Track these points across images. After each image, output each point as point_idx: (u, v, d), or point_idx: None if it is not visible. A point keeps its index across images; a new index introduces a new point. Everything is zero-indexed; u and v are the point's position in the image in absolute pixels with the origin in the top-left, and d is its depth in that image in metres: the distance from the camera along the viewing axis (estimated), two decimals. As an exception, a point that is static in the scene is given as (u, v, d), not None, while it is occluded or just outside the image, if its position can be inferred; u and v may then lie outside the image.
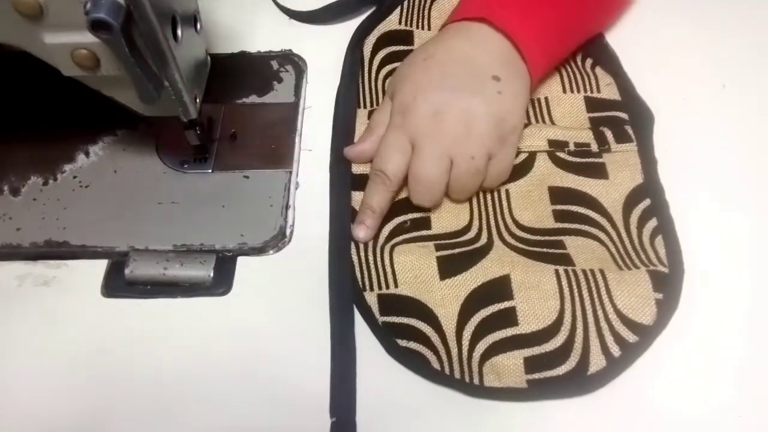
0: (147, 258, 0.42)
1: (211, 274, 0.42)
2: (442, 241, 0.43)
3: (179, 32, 0.37)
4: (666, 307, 0.39)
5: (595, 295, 0.39)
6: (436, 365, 0.38)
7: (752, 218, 0.43)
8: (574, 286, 0.40)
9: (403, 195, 0.44)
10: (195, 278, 0.42)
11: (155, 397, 0.38)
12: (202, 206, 0.45)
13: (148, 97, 0.37)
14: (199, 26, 0.41)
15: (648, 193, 0.43)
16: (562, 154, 0.45)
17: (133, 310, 0.41)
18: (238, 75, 0.51)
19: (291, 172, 0.46)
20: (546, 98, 0.48)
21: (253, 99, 0.50)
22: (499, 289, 0.40)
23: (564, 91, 0.48)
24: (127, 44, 0.33)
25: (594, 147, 0.45)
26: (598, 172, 0.44)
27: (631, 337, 0.38)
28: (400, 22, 0.53)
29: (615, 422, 0.37)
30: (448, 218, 0.44)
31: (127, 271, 0.42)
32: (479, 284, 0.40)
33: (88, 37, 0.33)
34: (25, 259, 0.43)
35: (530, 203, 0.44)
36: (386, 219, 0.43)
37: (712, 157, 0.45)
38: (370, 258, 0.42)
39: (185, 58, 0.39)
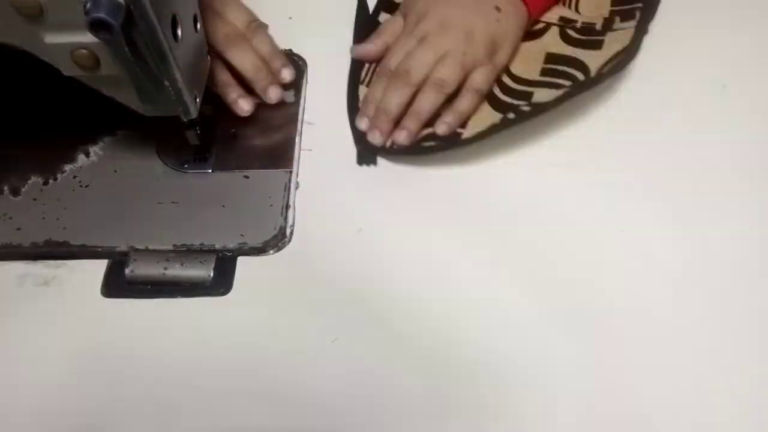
0: (147, 258, 0.42)
1: (211, 274, 0.42)
2: None
3: (179, 32, 0.37)
4: None
5: None
6: None
7: (752, 217, 0.43)
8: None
9: None
10: (195, 278, 0.42)
11: (155, 396, 0.38)
12: (202, 206, 0.45)
13: (148, 97, 0.37)
14: (199, 26, 0.41)
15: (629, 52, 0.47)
16: (570, 32, 0.50)
17: (133, 310, 0.41)
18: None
19: (291, 172, 0.46)
20: None
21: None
22: None
23: None
24: (127, 44, 0.33)
25: (598, 26, 0.50)
26: (596, 46, 0.49)
27: None
28: None
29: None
30: None
31: (127, 271, 0.42)
32: None
33: (88, 37, 0.33)
34: (25, 259, 0.43)
35: (525, 59, 0.50)
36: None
37: (712, 157, 0.45)
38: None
39: (185, 58, 0.39)
